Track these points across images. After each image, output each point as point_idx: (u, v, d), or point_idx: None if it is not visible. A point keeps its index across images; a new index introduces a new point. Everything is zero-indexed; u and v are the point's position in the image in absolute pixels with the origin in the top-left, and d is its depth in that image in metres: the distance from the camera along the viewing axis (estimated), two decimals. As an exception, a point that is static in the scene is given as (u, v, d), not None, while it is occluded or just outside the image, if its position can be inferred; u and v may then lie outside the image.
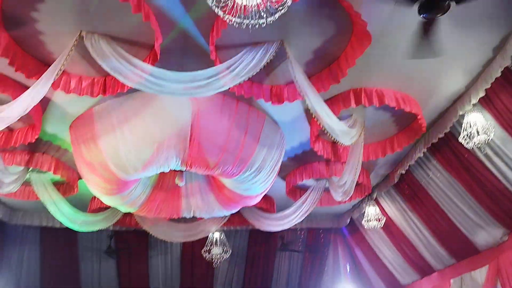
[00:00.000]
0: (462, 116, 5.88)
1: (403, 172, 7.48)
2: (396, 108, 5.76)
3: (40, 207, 7.97)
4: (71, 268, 10.59)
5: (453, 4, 4.19)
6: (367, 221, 8.38)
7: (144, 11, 4.24)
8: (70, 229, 9.05)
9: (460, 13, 4.44)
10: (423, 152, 6.83)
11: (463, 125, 5.79)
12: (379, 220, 8.30)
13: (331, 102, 5.84)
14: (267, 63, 4.86)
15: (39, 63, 5.11)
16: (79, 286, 10.75)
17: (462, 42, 5.05)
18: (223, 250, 9.84)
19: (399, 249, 8.80)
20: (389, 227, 8.65)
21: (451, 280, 7.91)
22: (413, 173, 7.53)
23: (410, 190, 7.82)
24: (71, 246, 10.44)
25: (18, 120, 5.75)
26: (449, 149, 6.61)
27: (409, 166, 7.32)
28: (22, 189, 7.74)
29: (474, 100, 5.65)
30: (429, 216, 7.73)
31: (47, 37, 4.80)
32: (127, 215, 9.03)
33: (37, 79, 4.82)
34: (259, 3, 3.43)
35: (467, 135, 5.70)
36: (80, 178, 7.30)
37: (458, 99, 6.00)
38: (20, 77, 5.22)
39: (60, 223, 9.08)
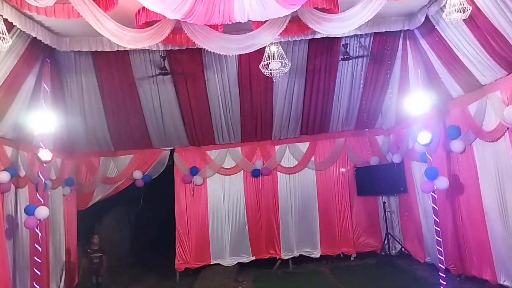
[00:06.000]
0: None
1: None
2: None
3: (86, 31, 7.64)
4: (129, 92, 10.64)
5: None
6: (449, 13, 7.15)
7: None
8: (122, 52, 8.77)
9: None
10: None
11: None
12: (464, 11, 7.04)
13: None
14: None
15: None
16: (140, 108, 10.96)
17: None
18: (282, 63, 9.17)
19: (484, 43, 7.64)
20: (475, 19, 7.40)
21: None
22: None
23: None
24: (126, 70, 10.23)
25: None
26: None
27: None
28: (60, 7, 7.14)
29: None
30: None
31: None
32: (177, 31, 8.41)
33: None
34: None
35: None
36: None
37: None
38: None
39: (110, 47, 8.80)
